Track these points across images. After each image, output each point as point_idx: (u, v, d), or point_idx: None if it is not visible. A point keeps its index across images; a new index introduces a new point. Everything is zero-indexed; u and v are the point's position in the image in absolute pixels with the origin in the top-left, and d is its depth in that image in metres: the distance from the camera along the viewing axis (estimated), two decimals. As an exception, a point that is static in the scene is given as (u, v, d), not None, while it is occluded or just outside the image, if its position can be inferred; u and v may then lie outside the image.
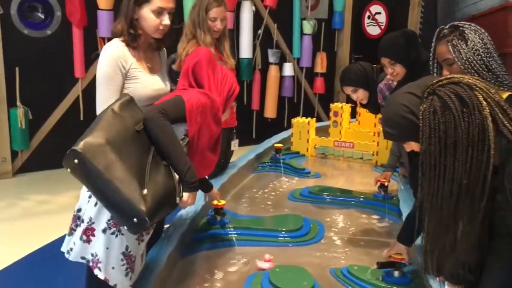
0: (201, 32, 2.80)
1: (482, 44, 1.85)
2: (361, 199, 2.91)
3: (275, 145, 3.72)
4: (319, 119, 6.09)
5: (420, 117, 1.33)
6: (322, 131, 4.47)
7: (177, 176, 1.72)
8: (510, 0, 5.86)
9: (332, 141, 4.00)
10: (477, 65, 1.84)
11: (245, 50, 5.70)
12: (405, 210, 2.46)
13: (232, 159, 3.51)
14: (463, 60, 1.84)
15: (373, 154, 3.84)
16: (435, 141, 1.31)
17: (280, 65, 6.05)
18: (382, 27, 6.93)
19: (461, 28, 1.89)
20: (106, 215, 1.63)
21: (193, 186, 1.75)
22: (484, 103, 1.29)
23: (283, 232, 2.42)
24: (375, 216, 2.73)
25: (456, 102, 1.29)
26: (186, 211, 2.42)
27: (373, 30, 6.92)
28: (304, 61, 6.25)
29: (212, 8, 2.80)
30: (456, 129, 1.28)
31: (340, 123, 4.24)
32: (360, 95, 2.86)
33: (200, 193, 2.56)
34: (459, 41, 1.86)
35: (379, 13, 6.90)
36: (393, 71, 2.52)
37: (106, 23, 4.66)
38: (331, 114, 4.28)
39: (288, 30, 6.09)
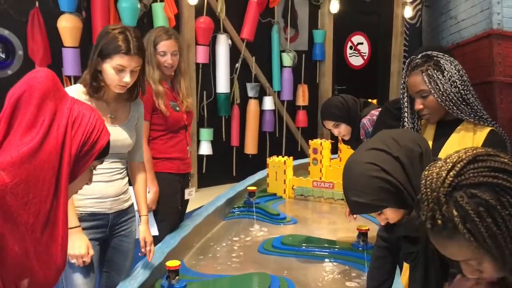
0: (149, 67, 2.55)
1: (459, 76, 1.69)
2: (337, 249, 2.61)
3: (248, 188, 3.43)
4: (303, 154, 5.84)
5: (472, 233, 0.85)
6: (303, 169, 4.20)
7: None
8: (494, 28, 5.71)
9: (310, 181, 3.72)
10: (455, 98, 1.67)
11: (222, 85, 5.49)
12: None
13: (201, 203, 3.23)
14: (440, 92, 1.67)
15: (355, 195, 3.56)
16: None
17: (259, 99, 5.83)
18: (365, 57, 6.77)
19: (435, 58, 1.71)
20: None
21: None
22: None
23: (247, 296, 2.11)
24: (353, 271, 2.43)
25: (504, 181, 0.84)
26: (135, 274, 2.11)
27: (356, 61, 6.76)
28: (285, 94, 6.04)
29: (161, 42, 2.57)
30: None
31: (320, 161, 3.98)
32: (342, 130, 2.60)
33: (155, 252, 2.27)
34: (435, 71, 1.69)
35: (361, 43, 6.76)
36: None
37: (72, 61, 4.45)
38: (310, 151, 4.02)
39: (267, 63, 5.90)
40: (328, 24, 6.28)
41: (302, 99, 6.19)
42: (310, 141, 4.08)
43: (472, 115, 1.70)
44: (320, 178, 3.81)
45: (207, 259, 2.59)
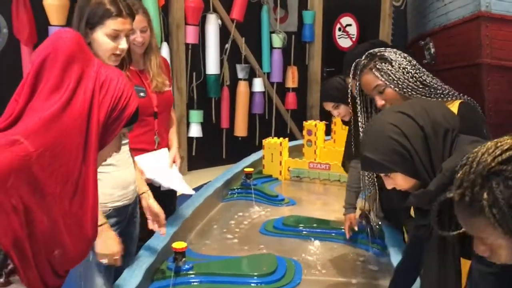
0: None
1: (407, 62, 1.71)
2: (340, 230, 2.60)
3: (245, 169, 3.41)
4: (292, 137, 5.83)
5: (497, 219, 0.85)
6: (296, 151, 4.19)
7: None
8: (482, 10, 5.74)
9: (306, 162, 3.71)
10: (411, 83, 1.68)
11: (212, 66, 5.42)
12: (392, 249, 2.18)
13: (192, 186, 3.17)
14: (395, 81, 1.68)
15: (351, 176, 3.56)
16: None
17: (249, 80, 5.77)
18: (354, 39, 6.76)
19: (379, 54, 1.74)
20: None
21: None
22: None
23: (255, 277, 2.10)
24: (357, 250, 2.45)
25: None
26: (142, 257, 2.08)
27: (344, 43, 6.74)
28: (274, 75, 5.99)
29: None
30: None
31: (314, 142, 3.97)
32: (342, 111, 2.64)
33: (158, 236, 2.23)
34: (383, 64, 1.71)
35: (350, 25, 6.73)
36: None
37: (59, 40, 4.31)
38: (304, 132, 4.00)
39: (256, 44, 5.83)
40: (318, 5, 6.23)
41: (292, 81, 6.15)
42: (304, 122, 4.06)
43: (433, 94, 1.69)
44: (315, 160, 3.81)
45: (210, 241, 2.57)
